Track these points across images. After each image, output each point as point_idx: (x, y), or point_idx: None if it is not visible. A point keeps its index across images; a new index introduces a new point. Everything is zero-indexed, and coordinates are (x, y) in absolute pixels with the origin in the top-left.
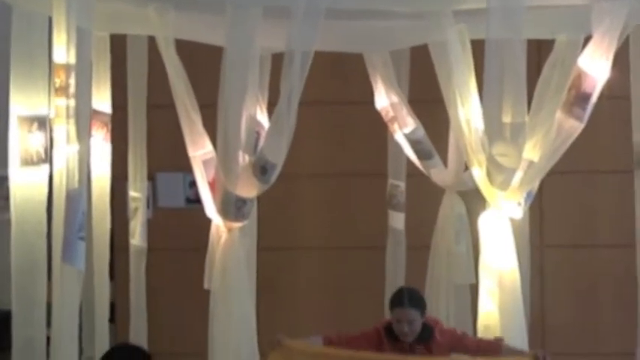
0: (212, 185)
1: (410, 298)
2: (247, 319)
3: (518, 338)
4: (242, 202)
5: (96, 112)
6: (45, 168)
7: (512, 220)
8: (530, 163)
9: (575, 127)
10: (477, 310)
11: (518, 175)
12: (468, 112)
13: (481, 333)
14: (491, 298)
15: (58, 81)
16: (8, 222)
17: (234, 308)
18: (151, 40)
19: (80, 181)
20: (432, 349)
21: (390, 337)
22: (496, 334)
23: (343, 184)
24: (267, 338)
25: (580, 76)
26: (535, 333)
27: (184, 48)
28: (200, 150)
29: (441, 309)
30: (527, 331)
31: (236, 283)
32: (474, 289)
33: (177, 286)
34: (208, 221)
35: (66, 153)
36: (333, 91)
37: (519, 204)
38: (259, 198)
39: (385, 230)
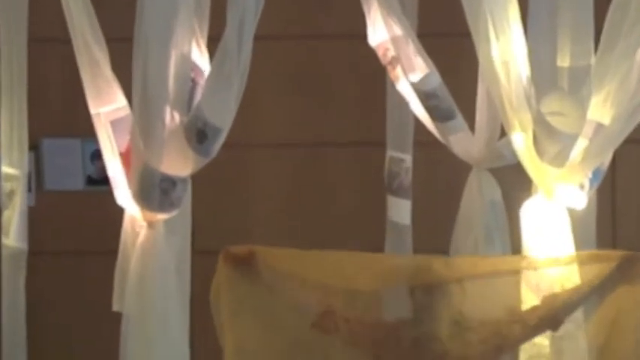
0: (125, 158)
1: None
2: (177, 352)
3: None
4: (170, 183)
5: None
6: None
7: (571, 212)
8: (599, 127)
9: None
10: None
11: (581, 145)
12: (505, 50)
13: None
14: None
15: None
16: None
17: (157, 337)
18: None
19: None
20: None
21: None
22: None
23: (319, 159)
24: None
25: None
26: None
27: None
28: (107, 105)
29: None
30: None
31: (160, 302)
32: None
33: (70, 303)
34: (120, 211)
35: None
36: (305, 20)
37: (582, 187)
38: (195, 178)
39: (382, 226)
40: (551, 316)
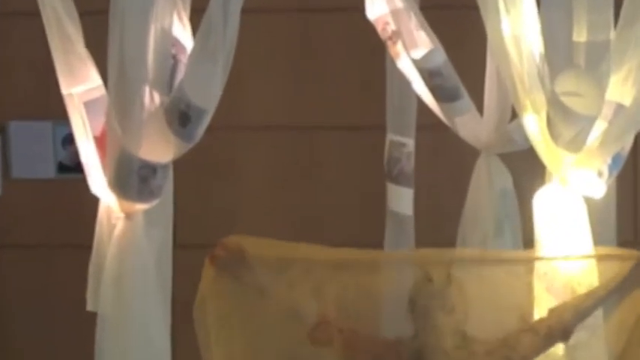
0: (101, 142)
1: None
2: (157, 357)
3: None
4: (150, 170)
5: None
6: None
7: (588, 201)
8: (619, 108)
9: None
10: None
11: (599, 128)
12: (516, 24)
13: None
14: None
15: None
16: None
17: (135, 340)
18: None
19: None
20: None
21: None
22: None
23: (312, 143)
24: None
25: None
26: None
27: None
28: (81, 85)
29: None
30: None
31: (138, 301)
32: None
33: (39, 301)
34: (95, 201)
35: None
36: None
37: (600, 174)
38: (178, 165)
39: (380, 217)
40: (561, 326)
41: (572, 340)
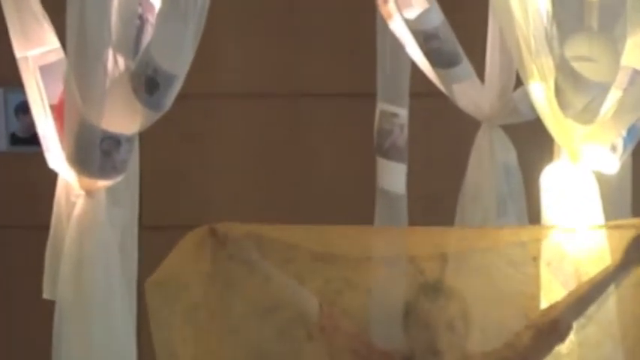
0: (58, 112)
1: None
2: (121, 347)
3: None
4: (113, 142)
5: None
6: None
7: (600, 179)
8: (635, 75)
9: None
10: None
11: (613, 97)
12: None
13: None
14: None
15: None
16: None
17: (97, 330)
18: None
19: None
20: None
21: None
22: None
23: (296, 113)
24: None
25: None
26: None
27: None
28: (36, 48)
29: None
30: None
31: (101, 287)
32: None
33: None
34: (52, 177)
35: None
36: None
37: (614, 148)
38: (144, 137)
39: (370, 194)
40: (556, 320)
41: (580, 337)
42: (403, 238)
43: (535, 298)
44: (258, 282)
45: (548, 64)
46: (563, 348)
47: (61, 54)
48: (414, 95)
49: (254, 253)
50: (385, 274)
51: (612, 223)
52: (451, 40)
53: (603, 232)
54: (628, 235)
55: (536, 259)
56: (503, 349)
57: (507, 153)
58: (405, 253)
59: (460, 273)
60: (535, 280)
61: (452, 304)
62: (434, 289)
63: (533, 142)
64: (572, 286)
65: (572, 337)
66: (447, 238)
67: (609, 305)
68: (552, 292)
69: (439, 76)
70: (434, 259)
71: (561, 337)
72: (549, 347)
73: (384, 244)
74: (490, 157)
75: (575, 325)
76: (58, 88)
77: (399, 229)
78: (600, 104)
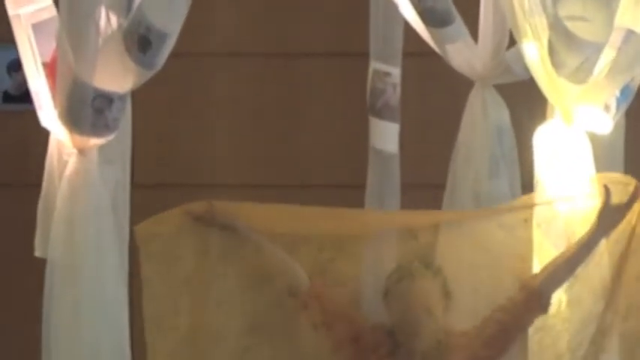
0: (51, 69)
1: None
2: (113, 311)
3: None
4: (105, 100)
5: None
6: None
7: (593, 138)
8: (629, 35)
9: None
10: None
11: (607, 56)
12: None
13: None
14: None
15: None
16: None
17: (89, 289)
18: None
19: None
20: None
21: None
22: (557, 338)
23: (288, 72)
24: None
25: None
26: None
27: None
28: (29, 5)
29: None
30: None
31: (93, 246)
32: None
33: None
34: (44, 135)
35: None
36: None
37: (607, 108)
38: (137, 95)
39: (363, 154)
40: (535, 290)
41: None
42: (394, 219)
43: (526, 260)
44: (250, 253)
45: (542, 23)
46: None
47: (53, 11)
48: (406, 55)
49: (244, 224)
50: (378, 241)
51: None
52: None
53: (594, 193)
54: (617, 191)
55: (527, 221)
56: (496, 312)
57: (500, 113)
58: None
59: (452, 237)
60: (526, 243)
61: (436, 281)
62: (425, 261)
63: (526, 102)
64: (562, 247)
65: (559, 297)
66: (439, 218)
67: (590, 262)
68: (544, 253)
69: (432, 35)
70: (427, 227)
71: (543, 309)
72: (532, 318)
73: (374, 226)
74: (483, 117)
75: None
76: (51, 46)
77: (389, 212)
78: (594, 64)
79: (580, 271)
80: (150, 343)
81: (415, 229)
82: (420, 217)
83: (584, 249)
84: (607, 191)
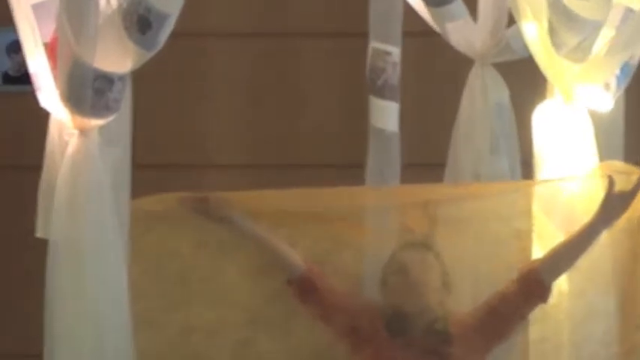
0: (51, 50)
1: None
2: (115, 289)
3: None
4: (106, 81)
5: None
6: None
7: (593, 116)
8: (628, 13)
9: None
10: None
11: (606, 35)
12: None
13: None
14: None
15: None
16: None
17: (90, 269)
18: None
19: None
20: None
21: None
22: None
23: (288, 52)
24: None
25: None
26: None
27: None
28: None
29: None
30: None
31: (94, 227)
32: None
33: None
34: (45, 116)
35: None
36: None
37: (607, 87)
38: (137, 76)
39: (363, 134)
40: (534, 277)
41: (571, 289)
42: (392, 194)
43: (525, 251)
44: (249, 245)
45: (541, 2)
46: (551, 299)
47: None
48: (406, 33)
49: (240, 215)
50: (375, 233)
51: (602, 165)
52: None
53: (595, 173)
54: (620, 180)
55: (526, 214)
56: (492, 298)
57: (500, 91)
58: (394, 207)
59: (449, 230)
60: (525, 234)
61: (436, 261)
62: (424, 246)
63: (525, 81)
64: (565, 227)
65: (561, 287)
66: (436, 192)
67: (592, 252)
68: (545, 234)
69: (432, 14)
70: (423, 219)
71: (543, 298)
72: (531, 306)
73: (373, 201)
74: (482, 95)
75: (564, 276)
76: (51, 27)
77: (387, 188)
78: (593, 42)
79: (582, 261)
80: (138, 341)
81: (412, 225)
82: (418, 191)
83: (585, 238)
84: (610, 181)
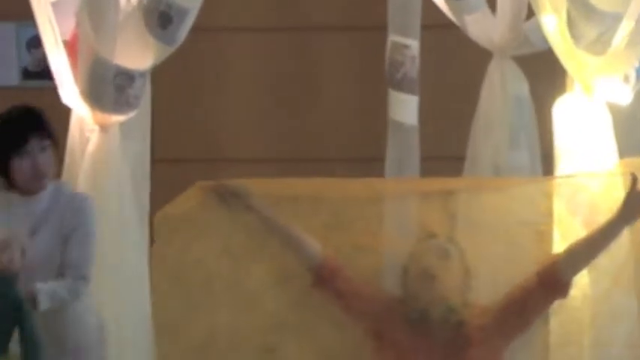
0: (71, 47)
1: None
2: (134, 283)
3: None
4: (126, 78)
5: None
6: None
7: (613, 109)
8: None
9: None
10: None
11: (626, 27)
12: None
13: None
14: None
15: None
16: None
17: (110, 259)
18: None
19: None
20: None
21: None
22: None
23: (306, 45)
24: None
25: None
26: None
27: None
28: None
29: None
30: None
31: (114, 220)
32: None
33: None
34: (66, 112)
35: None
36: None
37: (626, 79)
38: (156, 72)
39: (382, 127)
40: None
41: (592, 289)
42: (412, 185)
43: (546, 250)
44: (272, 251)
45: None
46: (575, 302)
47: None
48: (425, 27)
49: (258, 201)
50: (395, 237)
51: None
52: None
53: (616, 170)
54: None
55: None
56: (512, 291)
57: (519, 84)
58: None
59: (469, 231)
60: (546, 234)
61: (457, 253)
62: (445, 238)
63: (544, 74)
64: (587, 225)
65: (585, 290)
66: (456, 184)
67: (618, 254)
68: (565, 227)
69: (450, 7)
70: (443, 221)
71: (562, 293)
72: (550, 300)
73: (392, 191)
74: (501, 88)
75: (588, 278)
76: (71, 24)
77: (406, 179)
78: (612, 35)
79: (606, 264)
80: (160, 352)
81: (432, 228)
82: (437, 184)
83: (606, 236)
84: (633, 178)
